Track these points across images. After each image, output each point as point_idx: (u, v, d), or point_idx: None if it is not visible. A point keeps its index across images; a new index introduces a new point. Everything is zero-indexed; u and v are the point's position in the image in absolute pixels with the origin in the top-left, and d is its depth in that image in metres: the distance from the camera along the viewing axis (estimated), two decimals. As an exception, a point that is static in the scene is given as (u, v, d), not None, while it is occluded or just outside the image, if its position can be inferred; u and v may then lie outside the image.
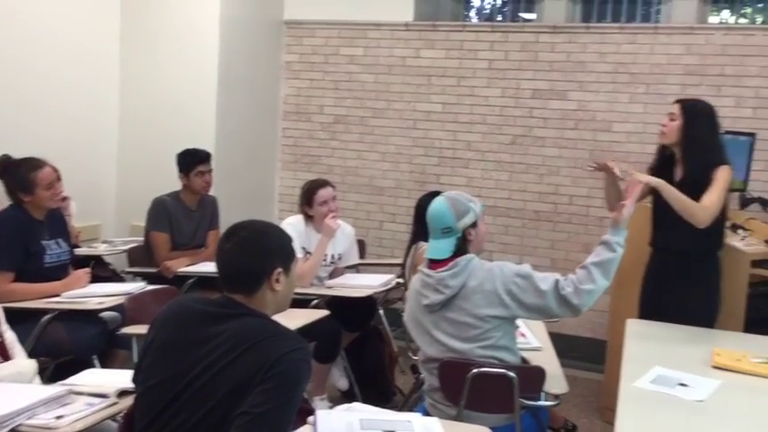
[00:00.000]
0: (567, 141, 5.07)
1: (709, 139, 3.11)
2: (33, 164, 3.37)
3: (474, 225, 2.59)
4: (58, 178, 3.51)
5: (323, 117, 5.73)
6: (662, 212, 3.15)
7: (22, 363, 2.53)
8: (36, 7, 4.51)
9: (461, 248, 2.57)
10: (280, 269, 1.89)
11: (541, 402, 2.66)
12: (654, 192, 3.14)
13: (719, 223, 3.09)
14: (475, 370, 2.47)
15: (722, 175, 3.01)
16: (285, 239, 1.97)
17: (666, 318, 3.07)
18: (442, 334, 2.56)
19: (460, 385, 2.49)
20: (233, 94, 5.25)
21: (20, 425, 1.97)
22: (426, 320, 2.60)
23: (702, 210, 2.95)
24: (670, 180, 3.09)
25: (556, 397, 2.70)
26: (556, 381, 2.69)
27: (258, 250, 1.88)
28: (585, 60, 5.03)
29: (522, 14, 5.64)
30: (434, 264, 2.59)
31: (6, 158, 3.48)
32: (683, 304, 3.10)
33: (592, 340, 4.83)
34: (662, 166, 3.22)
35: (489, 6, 5.93)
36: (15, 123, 4.33)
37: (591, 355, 4.42)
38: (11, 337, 2.59)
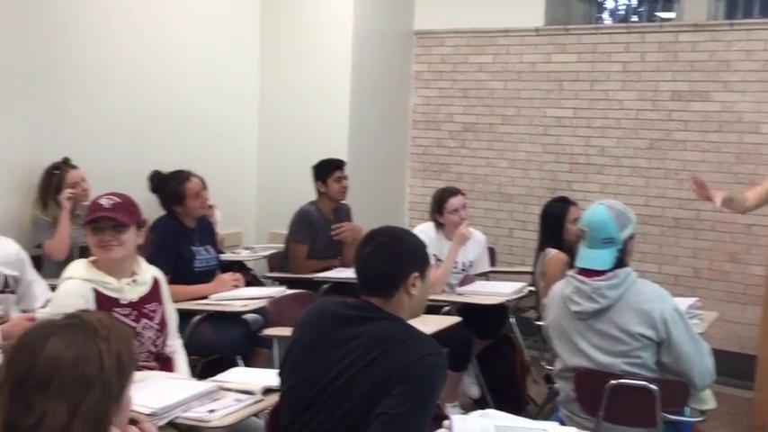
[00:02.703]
0: (710, 144, 4.81)
1: None
2: (182, 177, 3.65)
3: (632, 237, 2.53)
4: (205, 188, 3.75)
5: (452, 125, 5.75)
6: None
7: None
8: (181, 26, 4.80)
9: (621, 261, 2.50)
10: (416, 274, 1.93)
11: (686, 417, 2.55)
12: None
13: None
14: (613, 381, 2.40)
15: None
16: (421, 245, 2.01)
17: None
18: (588, 344, 2.50)
19: (598, 396, 2.43)
20: (365, 104, 5.38)
21: (177, 417, 2.12)
22: (572, 328, 2.54)
23: None
24: None
25: (702, 413, 2.57)
26: (702, 396, 2.56)
27: (396, 255, 1.93)
28: (730, 59, 4.76)
29: (659, 14, 5.42)
30: (588, 272, 2.52)
31: (157, 174, 3.80)
32: None
33: (740, 355, 4.53)
34: None
35: (624, 7, 5.74)
36: (164, 137, 4.64)
37: (738, 371, 4.17)
38: (179, 345, 2.73)
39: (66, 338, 1.20)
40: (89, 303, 2.36)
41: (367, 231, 2.06)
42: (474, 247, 4.05)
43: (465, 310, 3.75)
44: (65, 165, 3.88)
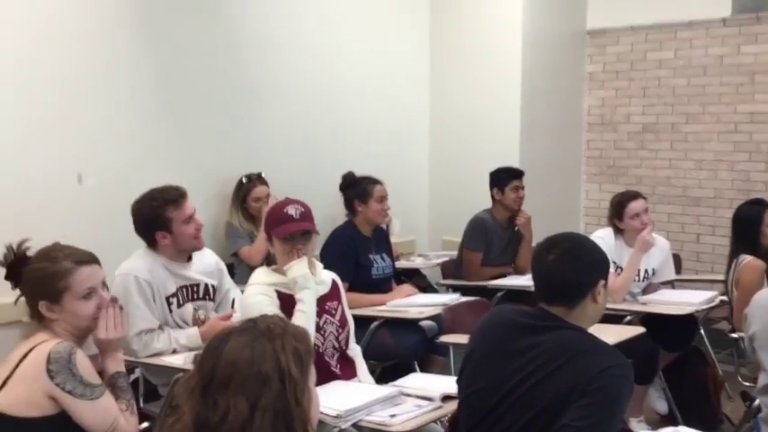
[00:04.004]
0: None
1: None
2: (372, 179, 3.90)
3: None
4: (387, 198, 3.88)
5: (630, 126, 5.51)
6: None
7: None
8: (354, 43, 4.93)
9: None
10: (603, 281, 1.87)
11: None
12: None
13: None
14: (825, 402, 2.18)
15: None
16: (603, 252, 1.96)
17: None
18: None
19: (807, 417, 2.21)
20: (536, 108, 5.28)
21: (360, 420, 2.19)
22: None
23: None
24: None
25: None
26: None
27: (584, 262, 1.88)
28: None
29: None
30: None
31: (351, 174, 4.05)
32: None
33: None
34: None
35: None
36: (339, 150, 4.79)
37: None
38: (358, 351, 2.80)
39: (242, 341, 1.31)
40: (273, 300, 2.51)
41: (544, 238, 2.02)
42: (658, 254, 3.85)
43: (649, 320, 3.56)
44: (256, 178, 4.16)
